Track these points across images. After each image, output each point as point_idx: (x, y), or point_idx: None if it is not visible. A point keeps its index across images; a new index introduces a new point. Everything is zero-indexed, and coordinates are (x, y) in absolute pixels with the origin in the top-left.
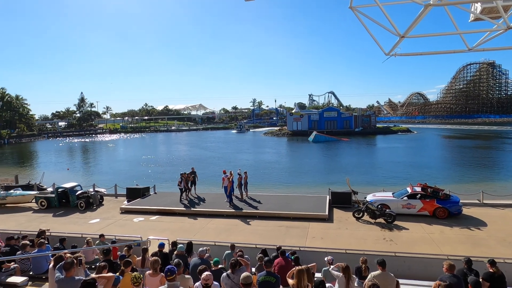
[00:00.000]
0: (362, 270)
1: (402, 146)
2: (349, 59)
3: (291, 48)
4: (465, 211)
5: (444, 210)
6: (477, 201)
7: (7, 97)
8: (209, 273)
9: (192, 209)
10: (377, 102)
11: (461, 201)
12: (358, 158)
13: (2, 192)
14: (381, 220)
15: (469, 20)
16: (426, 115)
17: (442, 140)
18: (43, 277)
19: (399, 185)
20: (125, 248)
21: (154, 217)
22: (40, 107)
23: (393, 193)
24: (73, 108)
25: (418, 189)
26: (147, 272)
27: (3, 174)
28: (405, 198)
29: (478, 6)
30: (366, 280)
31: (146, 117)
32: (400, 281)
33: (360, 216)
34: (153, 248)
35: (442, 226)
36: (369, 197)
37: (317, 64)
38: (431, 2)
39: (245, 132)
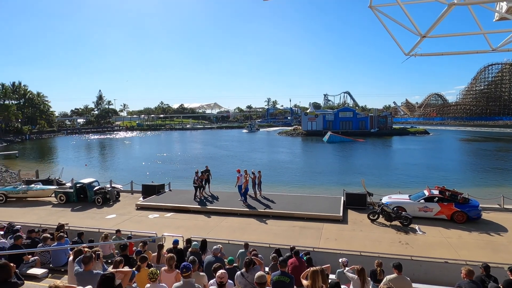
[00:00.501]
0: (377, 273)
1: (419, 148)
2: (366, 59)
3: (307, 47)
4: (485, 215)
5: (463, 214)
6: (498, 206)
7: (28, 94)
8: (224, 271)
9: (206, 207)
10: (394, 102)
11: (480, 205)
12: (374, 159)
13: (23, 186)
14: (396, 223)
15: (494, 20)
16: (445, 116)
17: (461, 142)
18: (62, 269)
19: (415, 187)
20: (141, 244)
21: (169, 214)
22: (60, 104)
23: (409, 196)
24: (92, 106)
25: (436, 192)
26: (163, 268)
27: (24, 169)
28: (422, 201)
29: (504, 5)
30: (382, 284)
31: (161, 115)
32: (417, 285)
33: (375, 218)
34: (167, 245)
35: (460, 230)
36: (385, 199)
37: (333, 63)
38: (455, 1)
39: (256, 131)
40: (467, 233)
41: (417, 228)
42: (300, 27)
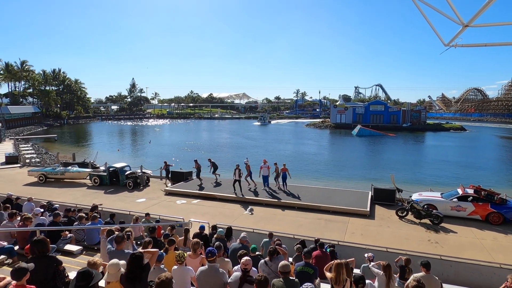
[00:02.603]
0: (406, 271)
1: (454, 144)
2: (400, 50)
3: (339, 37)
4: None
5: (499, 215)
6: None
7: (67, 80)
8: (249, 258)
9: (232, 196)
10: (429, 97)
11: None
12: (404, 155)
13: (61, 168)
14: (426, 221)
15: None
16: (484, 112)
17: (501, 140)
18: (95, 248)
19: (448, 185)
20: (169, 227)
21: (195, 201)
22: (95, 90)
23: (441, 194)
24: (125, 93)
25: (470, 191)
26: (188, 253)
27: (62, 152)
28: (455, 199)
29: None
30: (410, 280)
31: (191, 104)
32: (445, 286)
33: (403, 215)
34: (193, 230)
35: (495, 232)
36: (415, 196)
37: (365, 55)
38: None
39: (268, 124)
40: (503, 236)
41: None
42: (334, 16)
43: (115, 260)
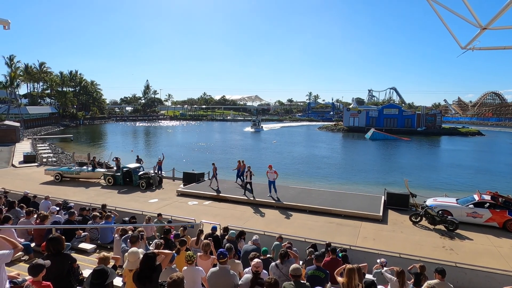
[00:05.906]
0: (420, 278)
1: (470, 149)
2: (415, 53)
3: (353, 40)
4: None
5: None
6: None
7: (83, 82)
8: (260, 260)
9: (243, 197)
10: (445, 100)
11: None
12: (419, 159)
13: (76, 167)
14: (441, 227)
15: None
16: (502, 117)
17: None
18: (108, 246)
19: (464, 191)
20: (181, 228)
21: (207, 202)
22: (110, 92)
23: (457, 200)
24: (139, 95)
25: (487, 197)
26: (199, 254)
27: (78, 152)
28: (471, 206)
29: None
30: (424, 287)
31: (204, 106)
32: None
33: (417, 220)
34: (205, 231)
35: None
36: (429, 201)
37: (379, 58)
38: None
39: (260, 130)
40: None
41: None
42: (346, 19)
43: (134, 249)
